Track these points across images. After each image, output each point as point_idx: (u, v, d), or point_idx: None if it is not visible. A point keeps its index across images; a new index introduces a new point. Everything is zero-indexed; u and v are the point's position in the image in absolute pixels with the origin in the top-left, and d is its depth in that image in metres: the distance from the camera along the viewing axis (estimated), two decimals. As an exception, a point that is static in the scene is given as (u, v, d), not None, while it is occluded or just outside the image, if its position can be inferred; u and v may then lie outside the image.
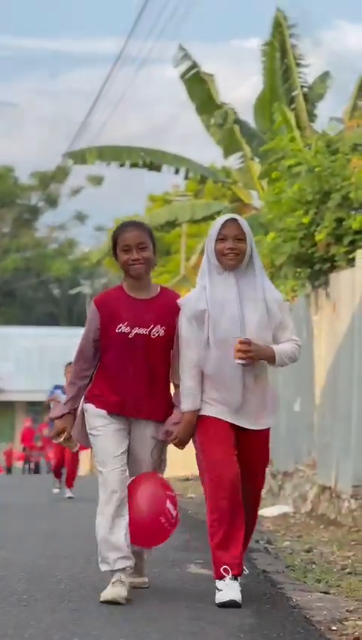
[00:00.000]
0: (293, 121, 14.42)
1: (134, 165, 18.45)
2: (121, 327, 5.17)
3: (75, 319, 56.82)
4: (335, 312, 10.32)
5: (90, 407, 5.23)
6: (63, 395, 12.34)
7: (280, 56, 17.39)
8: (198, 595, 5.30)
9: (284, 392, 11.48)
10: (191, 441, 5.24)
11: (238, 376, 5.09)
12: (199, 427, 5.17)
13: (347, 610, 4.96)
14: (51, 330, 50.07)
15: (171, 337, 5.20)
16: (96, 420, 5.19)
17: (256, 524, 5.51)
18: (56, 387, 13.69)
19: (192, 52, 18.49)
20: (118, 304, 5.23)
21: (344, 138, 11.70)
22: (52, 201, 62.29)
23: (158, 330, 5.19)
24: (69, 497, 13.40)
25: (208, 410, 5.14)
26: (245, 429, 5.17)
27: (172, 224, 19.22)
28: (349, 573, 6.34)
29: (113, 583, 5.07)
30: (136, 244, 5.18)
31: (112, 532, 5.07)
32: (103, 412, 5.18)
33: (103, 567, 5.13)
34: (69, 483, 13.76)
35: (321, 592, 5.55)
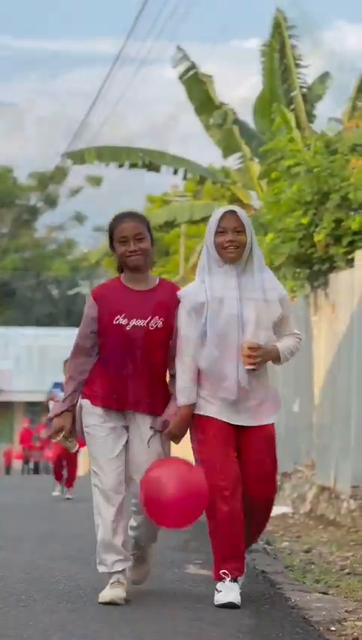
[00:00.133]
0: (293, 122, 14.42)
1: (133, 166, 18.46)
2: (118, 319, 5.07)
3: (73, 320, 56.82)
4: (334, 312, 10.32)
5: (86, 404, 5.14)
6: (61, 392, 12.33)
7: (279, 56, 17.40)
8: (197, 595, 5.30)
9: (283, 392, 11.47)
10: (188, 439, 5.20)
11: (233, 372, 5.02)
12: (197, 427, 5.11)
13: (346, 611, 4.96)
14: (50, 331, 50.04)
15: (170, 329, 5.11)
16: (92, 418, 5.11)
17: (263, 528, 5.38)
18: (56, 385, 13.59)
19: (191, 53, 18.52)
20: (116, 296, 5.13)
21: (343, 139, 11.70)
22: (51, 202, 62.26)
23: (157, 322, 5.09)
24: (68, 498, 13.39)
25: (206, 410, 5.07)
26: (245, 427, 5.10)
27: (171, 225, 19.22)
28: (348, 573, 6.34)
29: (111, 584, 5.06)
30: (133, 235, 5.09)
31: (113, 535, 5.05)
32: (99, 409, 5.09)
33: (101, 569, 5.13)
34: (69, 484, 13.75)
35: (320, 593, 5.56)
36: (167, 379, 5.23)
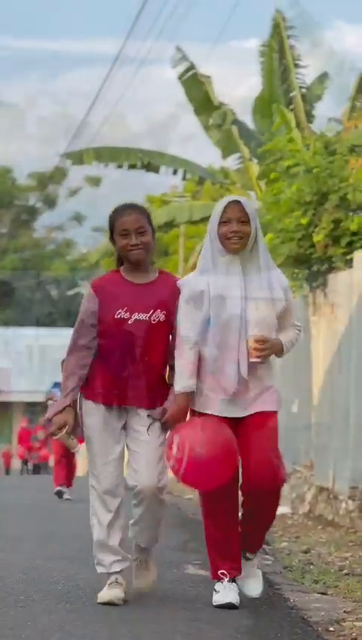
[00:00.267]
0: (293, 122, 14.43)
1: (132, 166, 18.46)
2: (120, 313, 4.98)
3: (73, 320, 56.78)
4: (333, 312, 10.33)
5: (86, 404, 5.06)
6: (60, 392, 12.28)
7: (278, 56, 17.42)
8: (196, 595, 5.30)
9: (282, 392, 11.45)
10: None
11: (234, 372, 4.95)
12: None
13: (344, 611, 4.96)
14: (49, 331, 50.02)
15: (171, 322, 5.02)
16: (92, 419, 5.03)
17: (269, 523, 5.20)
18: (55, 385, 13.53)
19: (190, 53, 18.53)
20: (116, 289, 5.04)
21: (342, 139, 11.70)
22: (50, 202, 62.26)
23: (159, 316, 5.01)
24: (67, 499, 13.37)
25: (206, 407, 5.00)
26: (243, 417, 5.00)
27: (170, 225, 19.23)
28: (347, 574, 6.34)
29: (110, 584, 5.06)
30: (134, 228, 5.00)
31: (108, 537, 5.04)
32: (100, 409, 5.02)
33: (100, 570, 5.12)
34: (68, 483, 13.73)
35: (319, 593, 5.56)
36: (167, 371, 5.14)
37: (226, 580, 5.01)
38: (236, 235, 4.98)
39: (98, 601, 5.00)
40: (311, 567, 6.67)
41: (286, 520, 10.35)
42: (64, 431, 5.05)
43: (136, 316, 4.99)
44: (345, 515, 9.37)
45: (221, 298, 4.98)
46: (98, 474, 5.03)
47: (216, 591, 5.03)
